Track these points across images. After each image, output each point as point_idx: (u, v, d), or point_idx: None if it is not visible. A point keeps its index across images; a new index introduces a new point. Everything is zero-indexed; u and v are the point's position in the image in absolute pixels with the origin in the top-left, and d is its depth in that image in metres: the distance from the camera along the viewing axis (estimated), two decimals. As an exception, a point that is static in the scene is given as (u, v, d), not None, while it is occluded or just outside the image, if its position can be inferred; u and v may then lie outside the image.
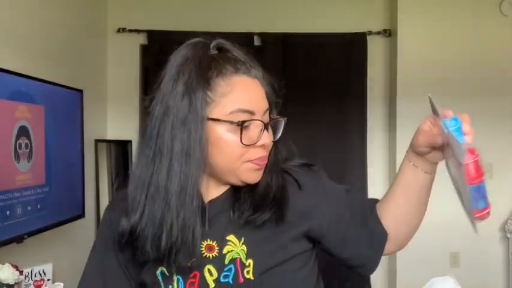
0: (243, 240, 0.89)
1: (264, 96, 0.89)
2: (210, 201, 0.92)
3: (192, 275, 0.89)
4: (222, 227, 0.90)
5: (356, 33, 3.85)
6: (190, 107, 0.83)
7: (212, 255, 0.89)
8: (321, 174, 1.00)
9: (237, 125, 0.84)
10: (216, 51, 0.89)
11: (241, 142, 0.85)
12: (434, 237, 3.67)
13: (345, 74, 3.85)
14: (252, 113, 0.86)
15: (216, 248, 0.89)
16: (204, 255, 0.89)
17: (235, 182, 0.90)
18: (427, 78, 3.72)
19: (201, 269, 0.89)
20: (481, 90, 3.70)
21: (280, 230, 0.91)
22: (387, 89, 3.93)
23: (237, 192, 0.92)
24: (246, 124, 0.85)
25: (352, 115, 3.85)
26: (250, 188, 0.90)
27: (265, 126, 0.87)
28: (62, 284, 2.17)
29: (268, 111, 0.89)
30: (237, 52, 0.90)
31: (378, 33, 3.89)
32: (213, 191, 0.93)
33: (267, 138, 0.87)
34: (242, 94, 0.86)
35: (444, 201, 3.66)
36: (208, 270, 0.89)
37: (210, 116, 0.84)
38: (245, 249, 0.89)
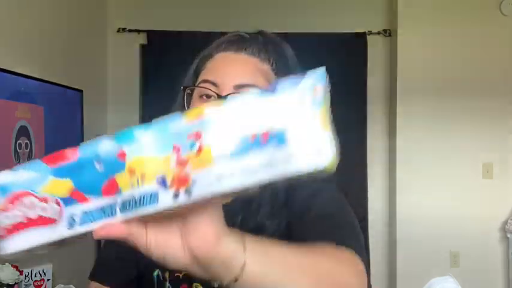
0: None
1: (247, 72, 0.80)
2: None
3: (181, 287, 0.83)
4: None
5: (356, 33, 3.85)
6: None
7: None
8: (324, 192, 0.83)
9: (184, 92, 0.82)
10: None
11: (186, 108, 0.81)
12: (435, 237, 3.67)
13: (345, 74, 3.85)
14: (214, 84, 0.79)
15: None
16: None
17: None
18: (427, 78, 3.72)
19: (189, 284, 0.83)
20: (481, 90, 3.69)
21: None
22: (387, 89, 3.93)
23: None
24: (188, 91, 0.82)
25: (352, 115, 3.85)
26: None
27: (220, 98, 0.78)
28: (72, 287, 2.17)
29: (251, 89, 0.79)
30: (249, 38, 0.84)
31: (378, 33, 3.89)
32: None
33: None
34: (214, 67, 0.82)
35: (444, 201, 3.68)
36: (196, 287, 0.83)
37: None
38: None
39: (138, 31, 3.86)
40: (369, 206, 3.84)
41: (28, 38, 2.67)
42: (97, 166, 0.44)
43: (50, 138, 2.60)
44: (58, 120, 2.71)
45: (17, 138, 2.32)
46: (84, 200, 0.45)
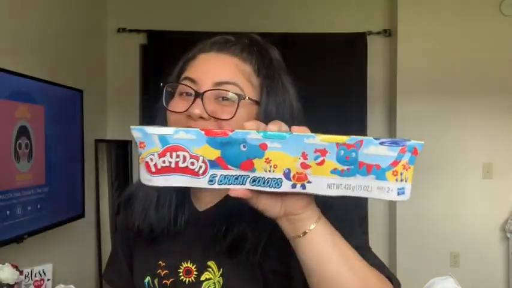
0: (221, 271, 0.81)
1: (226, 70, 0.80)
2: (204, 212, 0.86)
3: None
4: (206, 247, 0.82)
5: (356, 33, 3.85)
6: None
7: (189, 280, 0.83)
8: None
9: (163, 89, 0.83)
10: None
11: (164, 104, 0.81)
12: (435, 237, 3.68)
13: (345, 74, 3.85)
14: (194, 81, 0.80)
15: (195, 272, 0.83)
16: (180, 279, 0.84)
17: None
18: (427, 78, 3.72)
19: None
20: (480, 90, 3.70)
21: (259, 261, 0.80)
22: (387, 89, 3.93)
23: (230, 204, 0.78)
24: (169, 88, 0.83)
25: (352, 115, 3.85)
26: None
27: (198, 95, 0.78)
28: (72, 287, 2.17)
29: (234, 87, 0.79)
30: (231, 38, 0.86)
31: (378, 33, 3.89)
32: (207, 199, 0.86)
33: (194, 107, 0.77)
34: (195, 66, 0.82)
35: (444, 201, 3.68)
36: None
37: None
38: (221, 281, 0.81)
39: (138, 31, 3.86)
40: (369, 205, 3.85)
41: (28, 38, 2.67)
42: (242, 148, 0.61)
43: (50, 138, 2.60)
44: (58, 120, 2.71)
45: (17, 138, 2.32)
46: (226, 167, 0.61)
